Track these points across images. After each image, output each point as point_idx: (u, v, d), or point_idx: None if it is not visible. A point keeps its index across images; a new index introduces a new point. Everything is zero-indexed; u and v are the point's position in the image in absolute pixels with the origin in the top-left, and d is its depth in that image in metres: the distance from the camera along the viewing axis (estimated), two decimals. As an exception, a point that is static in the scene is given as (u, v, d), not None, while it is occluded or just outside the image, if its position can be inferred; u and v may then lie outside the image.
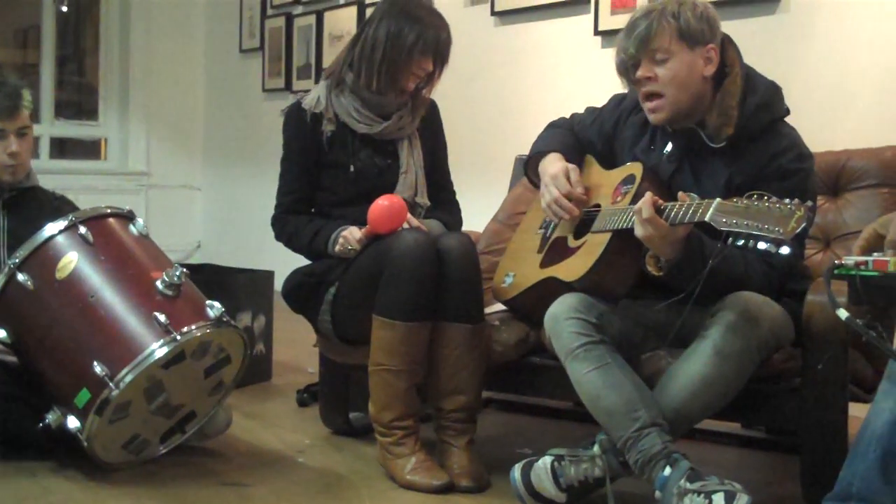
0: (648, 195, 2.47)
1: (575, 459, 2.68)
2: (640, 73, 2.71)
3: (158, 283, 2.87)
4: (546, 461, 2.69)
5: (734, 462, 3.36)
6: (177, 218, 7.93)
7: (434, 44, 3.16)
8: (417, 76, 3.21)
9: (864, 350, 2.80)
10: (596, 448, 2.69)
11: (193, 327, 2.84)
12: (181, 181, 8.04)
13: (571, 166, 2.95)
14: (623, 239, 2.63)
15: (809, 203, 2.09)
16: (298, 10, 7.07)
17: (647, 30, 2.66)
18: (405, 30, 3.13)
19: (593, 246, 2.76)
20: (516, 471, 2.74)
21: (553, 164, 2.97)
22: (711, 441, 3.50)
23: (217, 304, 2.93)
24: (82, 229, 2.93)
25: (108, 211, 3.07)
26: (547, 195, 2.93)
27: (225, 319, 2.93)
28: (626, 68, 2.75)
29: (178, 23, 7.98)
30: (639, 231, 2.48)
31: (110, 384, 2.72)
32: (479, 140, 5.46)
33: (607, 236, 2.70)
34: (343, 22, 6.59)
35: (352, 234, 3.09)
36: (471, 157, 4.88)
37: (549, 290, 2.81)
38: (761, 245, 2.11)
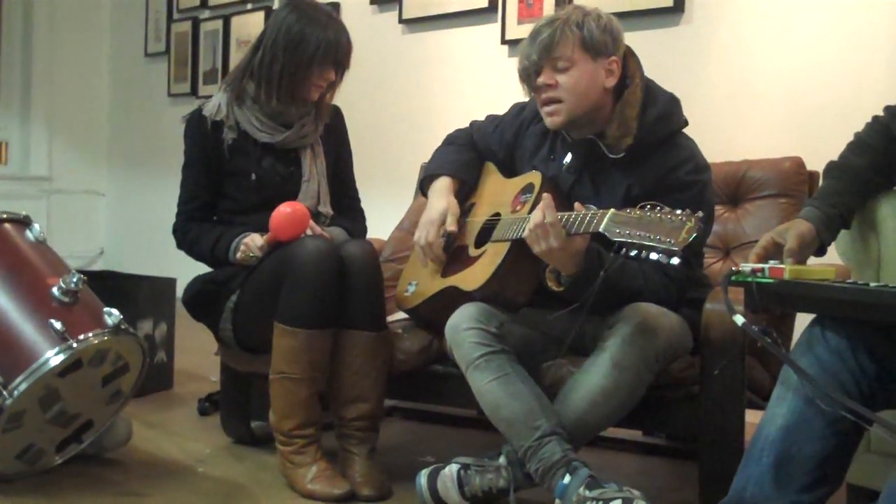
0: (546, 196, 2.46)
1: (481, 469, 2.67)
2: (541, 79, 2.71)
3: (55, 290, 2.81)
4: (452, 469, 2.69)
5: (635, 469, 3.39)
6: (80, 224, 7.80)
7: (334, 53, 3.13)
8: (319, 86, 3.18)
9: (760, 357, 2.85)
10: (502, 458, 2.69)
11: (90, 335, 2.78)
12: (85, 186, 7.90)
13: (453, 204, 3.00)
14: (522, 248, 2.63)
15: (700, 214, 2.11)
16: (205, 14, 7.01)
17: (551, 38, 2.67)
18: (303, 40, 3.09)
19: (493, 255, 2.76)
20: (422, 477, 2.73)
21: (437, 200, 3.03)
22: (613, 448, 3.52)
23: (115, 312, 2.88)
24: (-25, 235, 2.86)
25: (3, 216, 2.99)
26: (421, 238, 2.98)
27: (123, 327, 2.88)
28: (529, 74, 2.75)
29: (83, 25, 7.84)
30: (535, 248, 2.49)
31: (3, 392, 2.65)
32: (386, 148, 5.45)
33: (506, 245, 2.71)
34: (250, 27, 6.54)
35: (253, 242, 3.06)
36: (377, 165, 4.87)
37: (450, 299, 2.81)
38: (653, 256, 2.12)
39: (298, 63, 3.10)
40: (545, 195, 2.47)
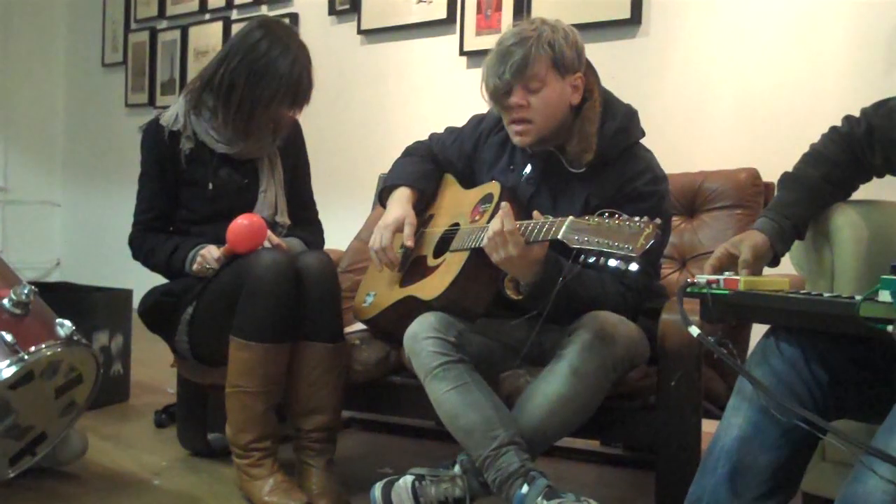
0: (505, 205, 2.45)
1: (435, 479, 2.66)
2: (513, 100, 2.70)
3: (5, 302, 2.77)
4: (407, 481, 2.68)
5: (593, 479, 3.39)
6: (35, 235, 7.72)
7: (293, 94, 3.09)
8: (276, 122, 3.18)
9: (717, 367, 2.86)
10: (457, 468, 2.68)
11: (42, 346, 2.74)
12: (40, 197, 7.83)
13: (410, 215, 2.99)
14: (480, 257, 2.63)
15: (658, 220, 2.12)
16: (163, 24, 6.96)
17: (525, 59, 2.65)
18: (266, 74, 3.04)
19: (451, 265, 2.76)
20: (377, 490, 2.72)
21: (394, 209, 3.02)
22: (571, 458, 3.54)
23: (67, 323, 2.84)
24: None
25: (-47, 228, 2.97)
26: (375, 242, 2.97)
27: (75, 338, 2.85)
28: (500, 95, 2.72)
29: (39, 34, 7.77)
30: (494, 256, 2.48)
31: (-47, 406, 2.62)
32: (344, 158, 5.45)
33: (465, 255, 2.71)
34: (208, 37, 6.51)
35: (210, 253, 3.04)
36: (335, 176, 4.86)
37: (409, 308, 2.80)
38: (612, 262, 2.12)
39: (257, 99, 3.06)
40: (504, 204, 2.47)
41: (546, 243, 2.41)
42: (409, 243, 2.94)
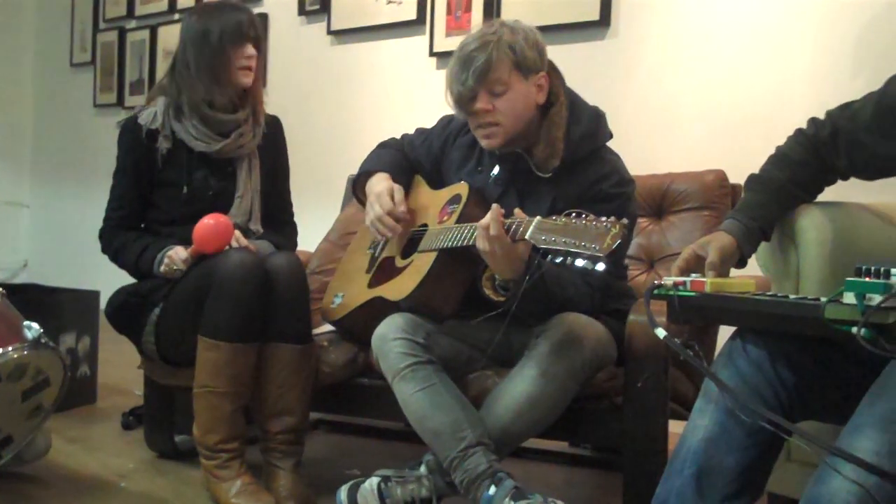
0: (496, 207, 2.42)
1: (402, 480, 2.67)
2: (478, 105, 2.70)
3: (-29, 304, 2.76)
4: (373, 482, 2.68)
5: (561, 480, 3.40)
6: (3, 236, 7.68)
7: (240, 28, 3.14)
8: (245, 68, 3.17)
9: (685, 369, 2.87)
10: (423, 468, 2.69)
11: (9, 349, 2.73)
12: (7, 197, 7.77)
13: (396, 186, 2.95)
14: (449, 258, 2.64)
15: (625, 220, 2.12)
16: (132, 24, 6.92)
17: (487, 63, 2.66)
18: (208, 32, 3.12)
19: (420, 265, 2.76)
20: (342, 492, 2.73)
21: (379, 184, 2.97)
22: (539, 459, 3.54)
23: (35, 325, 2.83)
24: None
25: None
26: (371, 213, 2.92)
27: (43, 341, 2.83)
28: (465, 101, 2.73)
29: (6, 34, 7.72)
30: (481, 244, 2.45)
31: (-82, 408, 2.60)
32: (313, 159, 5.42)
33: (433, 255, 2.70)
34: (177, 37, 6.40)
35: (177, 255, 3.03)
36: (304, 177, 4.83)
37: (377, 309, 2.80)
38: (579, 262, 2.12)
39: (211, 53, 3.12)
40: (494, 206, 2.43)
41: (530, 243, 2.40)
42: (402, 208, 2.90)
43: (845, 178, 2.42)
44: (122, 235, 3.20)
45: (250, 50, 3.16)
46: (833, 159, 2.37)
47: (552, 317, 2.62)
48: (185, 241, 3.06)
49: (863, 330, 1.63)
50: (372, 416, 3.30)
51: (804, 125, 2.44)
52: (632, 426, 2.63)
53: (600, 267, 2.10)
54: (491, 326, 2.61)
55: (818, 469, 1.74)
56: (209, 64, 3.12)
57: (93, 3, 7.22)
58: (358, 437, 3.92)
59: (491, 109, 2.70)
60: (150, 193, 3.23)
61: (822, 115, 2.42)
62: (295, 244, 3.48)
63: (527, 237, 2.26)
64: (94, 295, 4.41)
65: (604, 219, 2.12)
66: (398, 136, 3.22)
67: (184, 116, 3.18)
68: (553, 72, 2.81)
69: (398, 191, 2.94)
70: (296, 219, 3.53)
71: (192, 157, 3.20)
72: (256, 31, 3.19)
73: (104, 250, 3.26)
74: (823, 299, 1.72)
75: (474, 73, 2.67)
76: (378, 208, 2.90)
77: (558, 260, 2.17)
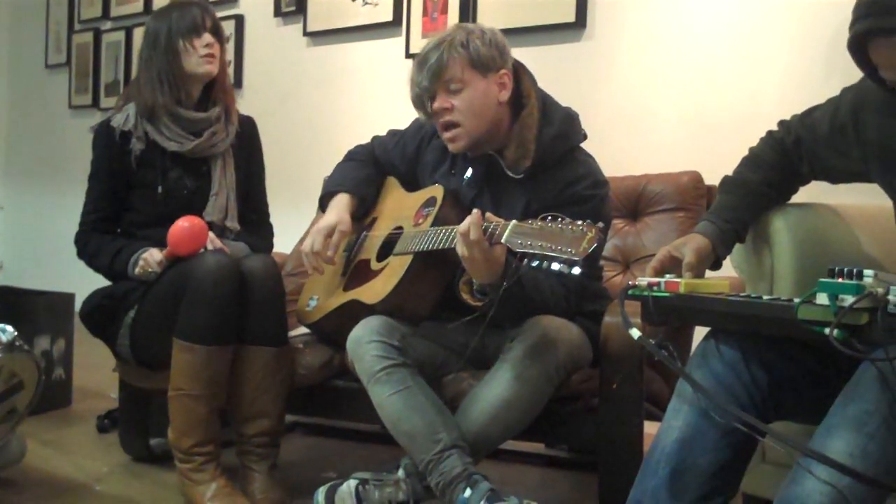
0: (476, 212, 2.40)
1: (379, 483, 2.66)
2: (436, 104, 2.74)
3: (-56, 307, 2.74)
4: (350, 485, 2.68)
5: (537, 481, 3.40)
6: (-24, 238, 7.62)
7: (192, 19, 3.16)
8: (207, 57, 3.17)
9: (660, 370, 2.88)
10: (400, 472, 2.69)
11: (-17, 352, 2.72)
12: (-18, 200, 7.72)
13: (344, 221, 2.96)
14: (424, 261, 2.63)
15: (601, 224, 2.12)
16: (107, 25, 6.88)
17: (439, 62, 2.70)
18: (159, 30, 3.17)
19: (395, 268, 2.76)
20: (320, 495, 2.72)
21: (330, 213, 3.00)
22: (515, 461, 3.54)
23: (9, 328, 2.81)
24: None
25: None
26: (306, 244, 2.95)
27: (17, 344, 2.82)
28: (423, 101, 2.77)
29: (-20, 35, 7.67)
30: (461, 249, 2.43)
31: None
32: (289, 161, 5.40)
33: (409, 258, 2.70)
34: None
35: (152, 257, 3.01)
36: (279, 179, 4.82)
37: (352, 312, 2.79)
38: (555, 266, 2.12)
39: (166, 48, 3.15)
40: (475, 211, 2.42)
41: (505, 246, 2.39)
42: (331, 253, 2.92)
43: (806, 182, 2.44)
44: (98, 239, 3.19)
45: (208, 38, 3.18)
46: (798, 165, 2.39)
47: (526, 320, 2.62)
48: (162, 244, 3.04)
49: (835, 331, 1.63)
50: (348, 418, 3.30)
51: (775, 127, 2.46)
52: (607, 427, 2.64)
53: (576, 270, 2.10)
54: (467, 329, 2.61)
55: (792, 470, 1.74)
56: (165, 63, 3.15)
57: (68, 4, 7.17)
58: (334, 439, 3.91)
59: (449, 108, 2.73)
60: (126, 196, 3.22)
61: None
62: (271, 245, 3.48)
63: (503, 241, 2.26)
64: (69, 297, 4.38)
65: (580, 222, 2.12)
66: (369, 141, 3.23)
67: (155, 118, 3.17)
68: (523, 72, 2.82)
69: (340, 230, 2.94)
70: (271, 220, 3.52)
71: (165, 158, 3.19)
72: (212, 20, 3.21)
73: (80, 255, 3.24)
74: (797, 300, 1.73)
75: (429, 72, 2.71)
76: (310, 244, 2.93)
77: (535, 264, 2.17)
